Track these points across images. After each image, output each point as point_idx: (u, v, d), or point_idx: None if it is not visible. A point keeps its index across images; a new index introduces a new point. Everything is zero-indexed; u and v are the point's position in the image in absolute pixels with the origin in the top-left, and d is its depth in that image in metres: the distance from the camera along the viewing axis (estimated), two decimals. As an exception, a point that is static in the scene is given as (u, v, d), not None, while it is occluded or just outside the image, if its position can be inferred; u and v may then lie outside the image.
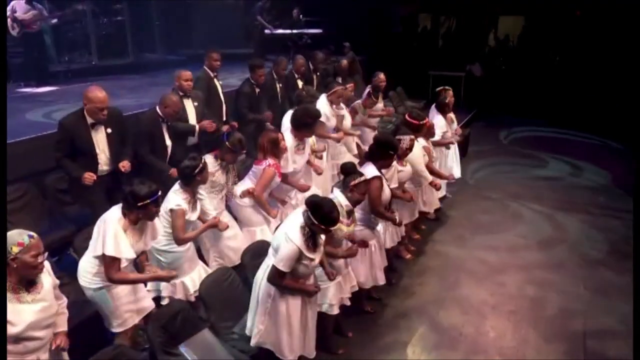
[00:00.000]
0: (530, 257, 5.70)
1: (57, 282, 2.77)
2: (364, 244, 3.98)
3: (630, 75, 10.16)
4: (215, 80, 5.87)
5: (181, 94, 5.02)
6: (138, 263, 3.46)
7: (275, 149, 4.36)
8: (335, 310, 3.81)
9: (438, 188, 5.54)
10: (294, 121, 4.76)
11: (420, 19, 15.00)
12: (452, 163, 6.50)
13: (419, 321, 4.55)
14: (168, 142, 4.68)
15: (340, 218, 3.55)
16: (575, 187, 7.90)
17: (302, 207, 3.28)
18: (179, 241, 3.73)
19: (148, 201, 3.14)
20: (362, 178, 3.67)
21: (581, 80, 11.18)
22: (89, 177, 4.02)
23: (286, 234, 3.16)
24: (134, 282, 3.33)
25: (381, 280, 4.43)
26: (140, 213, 3.19)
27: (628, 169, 8.62)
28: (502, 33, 14.07)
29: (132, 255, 3.19)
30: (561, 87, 11.50)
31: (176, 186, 3.79)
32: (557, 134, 10.80)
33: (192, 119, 5.14)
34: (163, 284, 3.86)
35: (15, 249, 2.43)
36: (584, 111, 10.74)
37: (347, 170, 3.77)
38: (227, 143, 4.13)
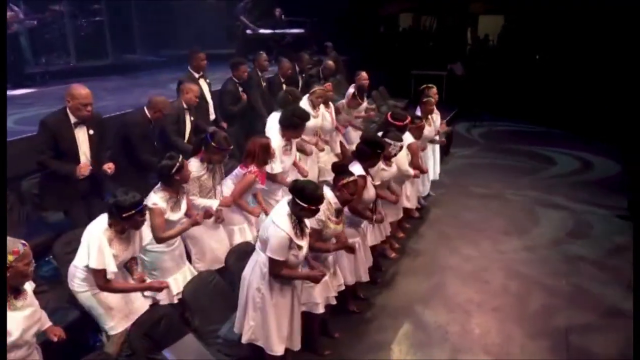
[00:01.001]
0: (513, 254, 5.76)
1: (33, 285, 2.77)
2: (350, 250, 3.98)
3: (611, 73, 10.32)
4: (203, 80, 5.83)
5: (185, 106, 5.09)
6: (128, 268, 3.46)
7: (266, 155, 4.33)
8: (321, 309, 3.78)
9: (425, 171, 5.71)
10: (283, 121, 4.76)
11: (402, 18, 15.10)
12: (430, 162, 6.55)
13: (405, 320, 4.56)
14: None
15: (330, 216, 3.58)
16: (556, 183, 8.01)
17: (286, 198, 3.33)
18: (158, 240, 3.69)
19: (133, 212, 3.12)
20: (352, 178, 3.66)
21: (561, 78, 11.31)
22: (84, 167, 3.97)
23: (274, 223, 3.17)
24: (122, 291, 3.32)
25: (365, 277, 4.41)
26: (126, 224, 3.18)
27: (609, 164, 8.79)
28: (482, 32, 14.24)
29: (114, 269, 3.17)
30: (541, 85, 11.62)
31: (157, 185, 3.76)
32: (537, 130, 10.92)
33: (188, 132, 5.19)
34: None
35: (11, 258, 2.44)
36: (565, 109, 10.87)
37: (338, 169, 3.76)
38: (212, 143, 4.06)
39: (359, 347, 4.20)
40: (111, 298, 3.28)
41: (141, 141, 4.53)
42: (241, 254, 3.87)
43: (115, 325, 3.32)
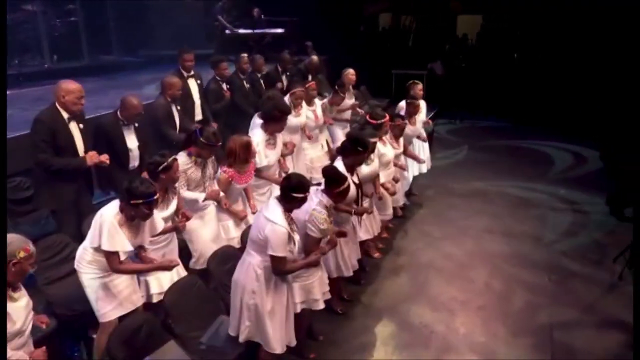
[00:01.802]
0: (497, 252, 5.78)
1: None
2: (342, 234, 3.98)
3: (589, 70, 10.46)
4: (192, 79, 5.89)
5: (169, 100, 5.20)
6: (141, 258, 3.48)
7: (247, 153, 4.29)
8: (321, 305, 3.76)
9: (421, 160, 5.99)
10: (264, 114, 4.77)
11: (381, 18, 15.12)
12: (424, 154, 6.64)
13: (390, 321, 4.54)
14: (130, 145, 4.58)
15: (327, 217, 3.56)
16: (537, 179, 8.07)
17: (272, 199, 3.39)
18: None
19: (141, 201, 3.14)
20: (346, 184, 3.63)
21: (540, 76, 11.43)
22: (92, 155, 4.11)
23: (272, 222, 3.20)
24: (135, 271, 3.43)
25: (347, 272, 4.37)
26: (132, 211, 3.20)
27: (589, 160, 8.91)
28: (460, 32, 14.33)
29: (129, 247, 3.25)
30: (520, 83, 11.73)
31: None
32: (518, 127, 11.01)
33: (178, 124, 5.32)
34: None
35: (22, 254, 2.57)
36: (544, 106, 10.98)
37: (329, 175, 3.69)
38: (201, 139, 4.03)
39: (343, 348, 4.16)
40: (114, 284, 3.34)
41: (106, 144, 4.45)
42: (223, 258, 3.81)
43: (110, 312, 3.34)
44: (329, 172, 3.72)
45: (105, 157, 4.22)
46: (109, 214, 3.21)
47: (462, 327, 4.45)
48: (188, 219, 3.87)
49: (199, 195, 4.14)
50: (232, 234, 4.38)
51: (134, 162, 4.65)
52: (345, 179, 3.69)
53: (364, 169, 4.60)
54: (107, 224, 3.16)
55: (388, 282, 5.17)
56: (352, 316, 4.58)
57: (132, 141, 4.60)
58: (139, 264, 3.43)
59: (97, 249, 3.22)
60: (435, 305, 4.77)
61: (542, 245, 5.93)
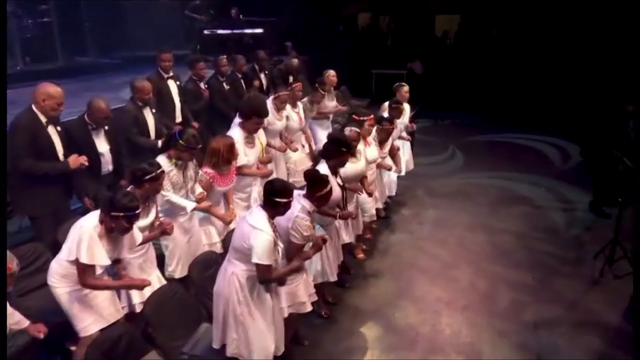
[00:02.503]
0: (480, 251, 5.79)
1: None
2: (323, 240, 3.88)
3: (566, 67, 10.59)
4: (171, 80, 5.74)
5: (140, 104, 4.95)
6: (116, 272, 3.41)
7: (230, 154, 4.23)
8: (308, 307, 3.71)
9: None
10: (240, 113, 4.70)
11: (360, 18, 15.11)
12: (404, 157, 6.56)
13: (376, 323, 4.50)
14: (101, 150, 4.44)
15: (310, 224, 3.49)
16: (516, 179, 8.12)
17: (256, 206, 3.34)
18: None
19: (121, 214, 3.05)
20: (328, 188, 3.56)
21: (519, 73, 11.53)
22: (75, 158, 4.03)
23: (257, 229, 3.12)
24: (106, 288, 3.30)
25: (332, 277, 4.32)
26: (112, 222, 3.10)
27: (569, 157, 9.00)
28: (439, 31, 14.40)
29: (107, 261, 3.16)
30: (499, 81, 11.82)
31: (129, 188, 3.58)
32: (498, 124, 11.11)
33: (152, 127, 5.09)
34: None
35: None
36: (524, 104, 11.08)
37: (311, 179, 3.61)
38: (180, 141, 3.93)
39: (329, 353, 4.12)
40: (90, 297, 3.23)
41: (76, 149, 4.29)
42: (205, 264, 3.72)
43: (89, 326, 3.24)
44: (311, 176, 3.64)
45: (84, 159, 4.12)
46: (89, 225, 3.11)
47: (447, 328, 4.44)
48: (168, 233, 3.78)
49: (187, 204, 4.03)
50: (215, 238, 4.29)
51: (107, 166, 4.52)
52: (328, 182, 3.62)
53: (350, 168, 4.55)
54: (87, 235, 3.06)
55: (373, 283, 5.13)
56: (337, 319, 4.53)
57: (102, 145, 4.44)
58: (109, 280, 3.32)
59: (74, 262, 3.11)
60: (420, 306, 4.75)
61: (524, 243, 5.95)
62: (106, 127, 4.44)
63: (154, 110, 5.10)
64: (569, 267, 5.47)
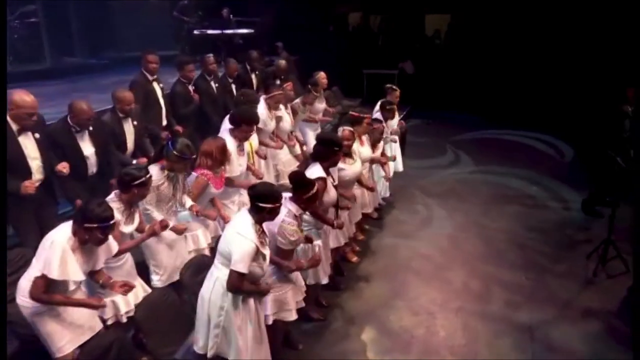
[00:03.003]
0: (473, 251, 5.77)
1: None
2: (308, 240, 3.87)
3: (558, 66, 10.63)
4: (155, 83, 5.51)
5: (121, 115, 4.72)
6: (102, 284, 3.25)
7: (224, 155, 4.15)
8: (294, 316, 3.65)
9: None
10: (232, 120, 4.55)
11: (351, 18, 15.09)
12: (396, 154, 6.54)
13: (370, 326, 4.46)
14: (86, 153, 4.33)
15: (297, 228, 3.44)
16: (508, 179, 8.13)
17: (243, 210, 3.23)
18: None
19: (95, 225, 2.90)
20: (314, 190, 3.49)
21: (510, 74, 11.56)
22: (29, 185, 3.74)
23: (239, 234, 3.03)
24: (59, 304, 3.04)
25: (324, 279, 4.27)
26: (85, 234, 2.96)
27: (561, 156, 9.02)
28: (429, 30, 14.42)
29: (81, 277, 3.00)
30: (491, 80, 11.85)
31: (112, 195, 3.48)
32: (489, 124, 11.12)
33: (131, 140, 4.86)
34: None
35: None
36: (512, 104, 11.12)
37: (296, 181, 3.54)
38: (174, 152, 3.78)
39: (324, 357, 4.06)
40: (66, 313, 3.05)
41: (61, 153, 4.19)
42: (197, 268, 3.65)
43: (64, 346, 3.07)
44: (295, 178, 3.56)
45: (62, 166, 3.97)
46: (61, 239, 2.94)
47: (442, 330, 4.41)
48: (166, 226, 3.67)
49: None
50: (202, 244, 4.17)
51: (92, 168, 4.41)
52: (314, 183, 3.55)
53: (348, 170, 4.52)
54: (59, 250, 2.89)
55: (366, 285, 5.09)
56: (331, 323, 4.48)
57: (87, 148, 4.32)
58: (63, 297, 3.03)
59: (40, 277, 2.92)
60: (414, 308, 4.71)
61: (517, 243, 5.95)
62: (90, 128, 4.31)
63: (135, 123, 4.84)
64: (562, 266, 5.46)
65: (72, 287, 3.01)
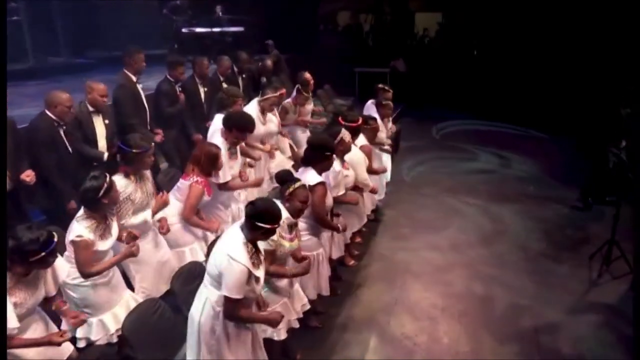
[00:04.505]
0: (473, 253, 5.62)
1: None
2: (304, 258, 3.57)
3: (550, 65, 10.54)
4: (138, 85, 5.19)
5: (91, 109, 4.40)
6: (55, 310, 2.91)
7: (214, 165, 3.90)
8: (283, 335, 3.43)
9: (376, 192, 5.25)
10: (227, 123, 4.30)
11: (340, 16, 14.95)
12: (387, 163, 6.31)
13: (370, 333, 4.27)
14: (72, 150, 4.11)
15: (282, 233, 3.20)
16: (506, 178, 8.01)
17: (236, 225, 2.90)
18: (85, 275, 3.14)
19: (43, 254, 2.61)
20: (298, 184, 3.29)
21: (500, 72, 11.48)
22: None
23: (229, 256, 2.71)
24: (19, 347, 2.68)
25: (325, 291, 4.08)
26: (34, 266, 2.66)
27: (557, 156, 8.91)
28: (419, 29, 14.33)
29: (15, 324, 2.57)
30: (481, 79, 11.76)
31: (80, 212, 3.17)
32: (483, 126, 11.01)
33: (102, 139, 4.48)
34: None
35: None
36: (506, 102, 11.01)
37: (282, 179, 3.37)
38: (132, 150, 3.46)
39: (324, 367, 3.88)
40: (26, 350, 2.71)
41: (46, 150, 3.94)
42: (189, 277, 3.43)
43: None
44: (280, 176, 3.40)
45: (26, 175, 3.69)
46: None
47: (445, 337, 4.23)
48: (135, 237, 3.41)
49: (146, 214, 3.63)
50: (200, 257, 3.89)
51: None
52: (297, 179, 3.37)
53: (351, 176, 4.36)
54: None
55: (365, 290, 4.90)
56: (330, 330, 4.28)
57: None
58: (22, 339, 2.69)
59: None
60: (415, 313, 4.54)
61: (517, 245, 5.80)
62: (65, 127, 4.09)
63: (107, 121, 4.49)
64: (565, 268, 5.33)
65: (8, 333, 2.52)
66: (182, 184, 3.87)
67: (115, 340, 3.28)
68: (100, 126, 4.45)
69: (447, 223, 6.34)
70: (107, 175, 3.14)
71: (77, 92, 4.54)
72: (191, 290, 3.40)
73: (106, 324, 3.26)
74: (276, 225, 2.83)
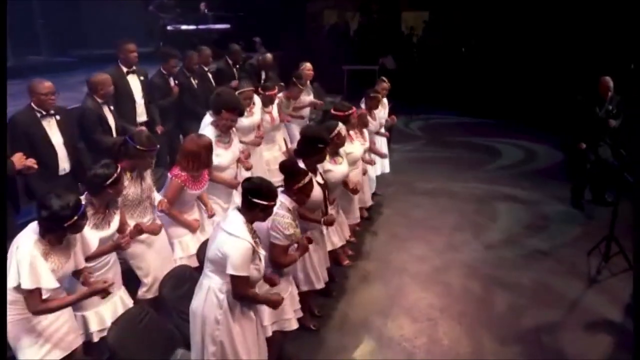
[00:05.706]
0: (470, 251, 5.50)
1: None
2: (309, 240, 3.50)
3: (540, 62, 10.47)
4: (132, 76, 5.23)
5: (100, 101, 4.52)
6: (84, 282, 2.91)
7: (209, 155, 3.76)
8: (294, 325, 3.35)
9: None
10: (214, 104, 4.17)
11: (326, 15, 14.80)
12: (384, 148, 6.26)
13: (368, 336, 4.11)
14: (56, 140, 4.02)
15: (292, 222, 3.15)
16: (501, 174, 7.91)
17: (232, 209, 2.94)
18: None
19: (75, 218, 2.61)
20: (307, 179, 3.23)
21: (490, 69, 11.41)
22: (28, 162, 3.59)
23: (232, 235, 2.73)
24: (61, 307, 2.76)
25: (319, 284, 3.90)
26: (68, 231, 2.68)
27: (552, 153, 8.84)
28: (406, 27, 14.24)
29: (55, 284, 2.65)
30: (470, 76, 11.69)
31: (82, 196, 3.06)
32: (475, 121, 10.94)
33: (113, 127, 4.65)
34: None
35: None
36: (495, 99, 10.95)
37: (287, 170, 3.29)
38: (137, 146, 3.39)
39: (320, 372, 3.71)
40: (42, 325, 2.72)
41: (28, 140, 3.85)
42: (177, 281, 3.26)
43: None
44: (287, 167, 3.31)
45: (31, 162, 3.63)
46: (27, 245, 2.60)
47: (445, 338, 4.09)
48: (141, 231, 3.30)
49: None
50: (192, 250, 3.77)
51: (63, 164, 4.07)
52: (306, 172, 3.31)
53: (335, 172, 4.18)
54: (27, 257, 2.56)
55: (361, 291, 4.75)
56: (326, 333, 4.12)
57: (56, 136, 4.02)
58: (64, 297, 2.78)
59: (18, 288, 2.59)
60: (413, 315, 4.39)
61: (514, 242, 5.70)
62: (58, 117, 4.03)
63: (111, 108, 4.66)
64: (564, 265, 5.22)
65: (46, 294, 2.66)
66: (168, 177, 3.75)
67: (95, 339, 3.16)
68: (109, 114, 4.62)
69: (441, 220, 6.20)
70: (119, 167, 3.11)
71: (60, 91, 4.32)
72: (181, 295, 3.26)
73: (88, 320, 3.15)
74: (272, 202, 2.84)
